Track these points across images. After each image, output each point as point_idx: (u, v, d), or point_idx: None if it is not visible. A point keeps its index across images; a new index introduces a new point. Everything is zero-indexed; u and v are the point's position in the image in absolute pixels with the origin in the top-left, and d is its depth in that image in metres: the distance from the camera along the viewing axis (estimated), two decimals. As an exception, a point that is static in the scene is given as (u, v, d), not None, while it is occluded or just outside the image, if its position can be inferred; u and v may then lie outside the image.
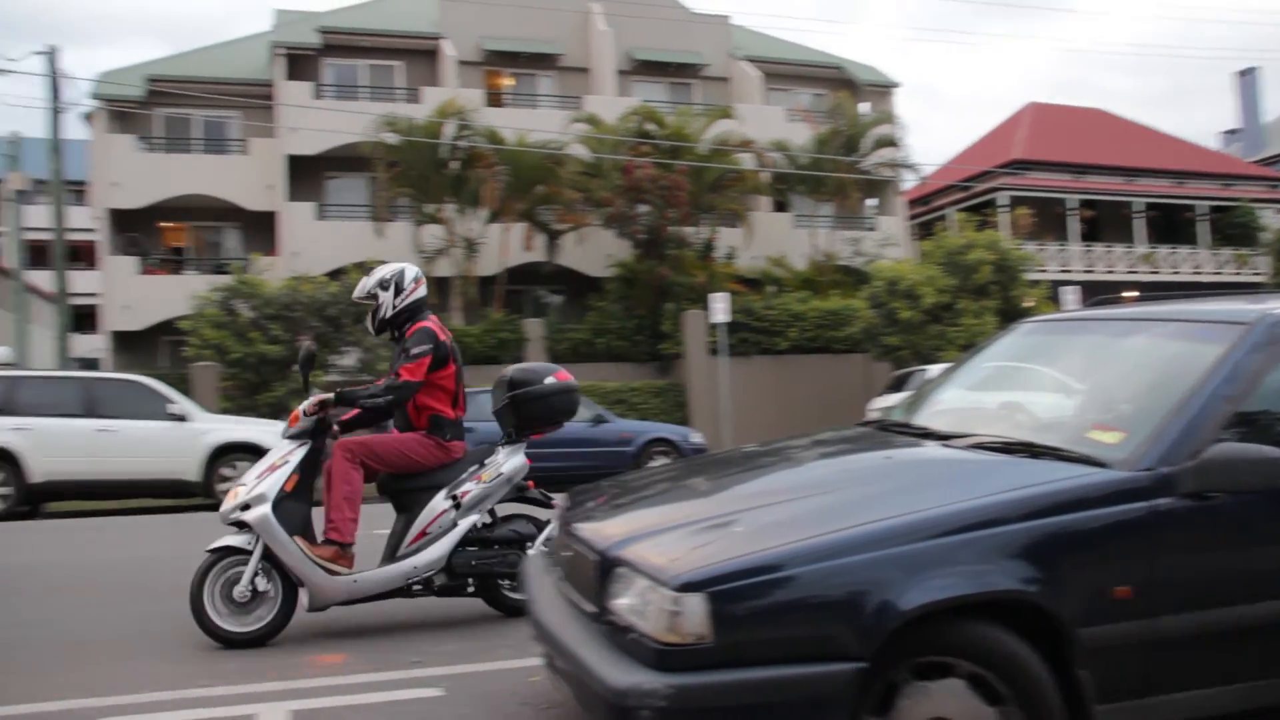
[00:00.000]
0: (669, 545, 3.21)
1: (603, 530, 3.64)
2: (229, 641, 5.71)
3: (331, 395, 6.10)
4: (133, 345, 26.21)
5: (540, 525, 6.30)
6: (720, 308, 20.78)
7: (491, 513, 6.32)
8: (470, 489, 6.16)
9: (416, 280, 6.38)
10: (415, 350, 6.09)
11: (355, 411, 6.25)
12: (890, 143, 27.86)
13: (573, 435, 16.18)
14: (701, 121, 26.41)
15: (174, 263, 29.07)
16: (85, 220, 32.11)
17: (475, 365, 23.23)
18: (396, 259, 22.48)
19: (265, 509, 5.79)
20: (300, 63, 28.37)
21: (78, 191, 36.72)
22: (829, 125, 27.85)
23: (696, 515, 3.55)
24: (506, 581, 6.21)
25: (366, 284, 6.38)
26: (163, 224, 29.29)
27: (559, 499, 6.31)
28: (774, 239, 28.54)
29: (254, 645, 5.71)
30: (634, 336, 25.30)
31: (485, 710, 4.48)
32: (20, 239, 24.24)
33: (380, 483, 6.24)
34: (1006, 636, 3.05)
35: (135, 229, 28.01)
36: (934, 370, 17.56)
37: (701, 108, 28.95)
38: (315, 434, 6.14)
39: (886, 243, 28.68)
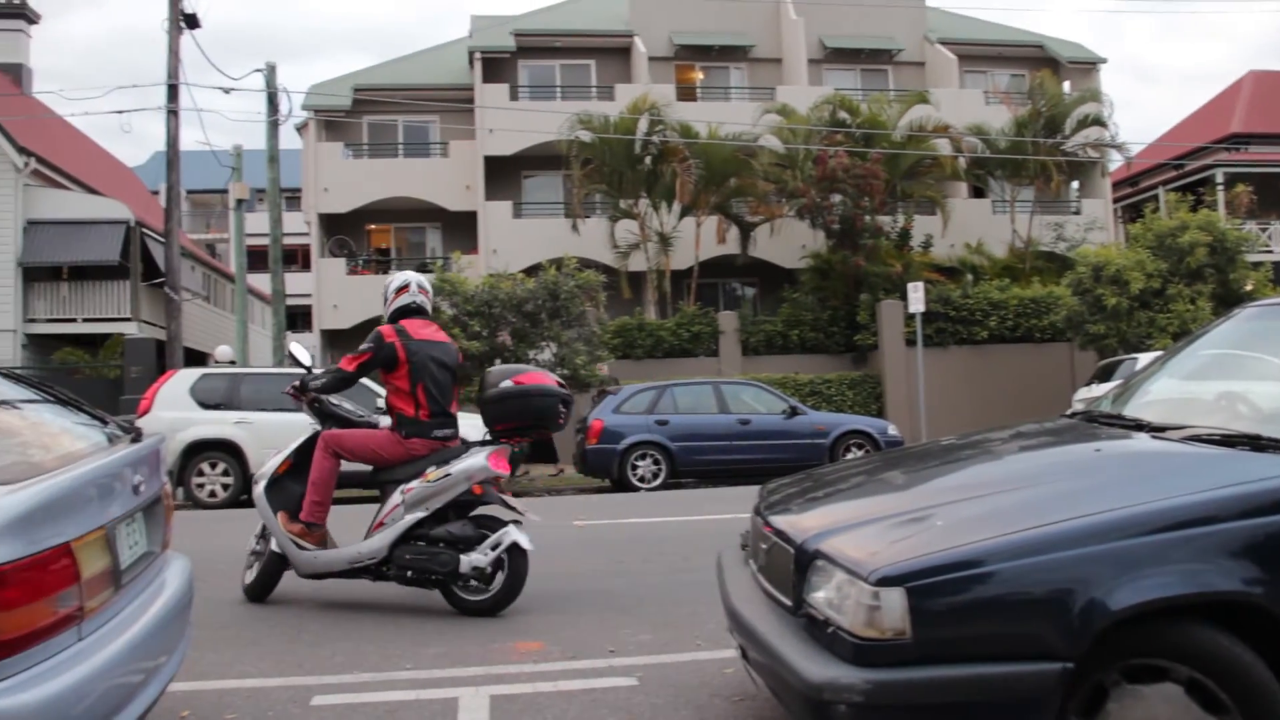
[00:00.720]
0: (867, 539, 3.16)
1: (799, 523, 3.60)
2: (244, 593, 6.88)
3: (298, 383, 6.87)
4: (342, 342, 27.44)
5: (493, 527, 6.40)
6: (917, 297, 20.37)
7: (442, 512, 6.44)
8: (414, 487, 6.43)
9: (398, 290, 6.91)
10: (360, 346, 6.74)
11: None
12: (1095, 122, 26.66)
13: (766, 428, 16.19)
14: (896, 108, 25.95)
15: (380, 263, 30.26)
16: (299, 225, 33.77)
17: (669, 359, 23.50)
18: (591, 255, 23.15)
19: (259, 487, 6.81)
20: (496, 66, 29.12)
21: (292, 198, 38.65)
22: (1029, 106, 26.87)
23: (895, 509, 3.49)
24: (471, 580, 6.37)
25: None
26: (369, 226, 30.58)
27: (525, 510, 6.57)
28: (972, 226, 27.78)
29: (255, 600, 6.81)
30: (828, 328, 25.06)
31: (678, 701, 4.50)
32: (241, 245, 25.59)
33: (370, 474, 6.82)
34: (1229, 641, 2.87)
35: (344, 232, 29.31)
36: (1144, 359, 16.82)
37: (895, 94, 28.43)
38: (326, 422, 6.92)
39: (1091, 227, 27.55)
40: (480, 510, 6.54)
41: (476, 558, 6.26)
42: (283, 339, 22.33)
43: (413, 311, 6.88)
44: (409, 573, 6.37)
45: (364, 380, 7.82)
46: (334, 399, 7.09)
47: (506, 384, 6.53)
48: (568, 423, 6.82)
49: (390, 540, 6.39)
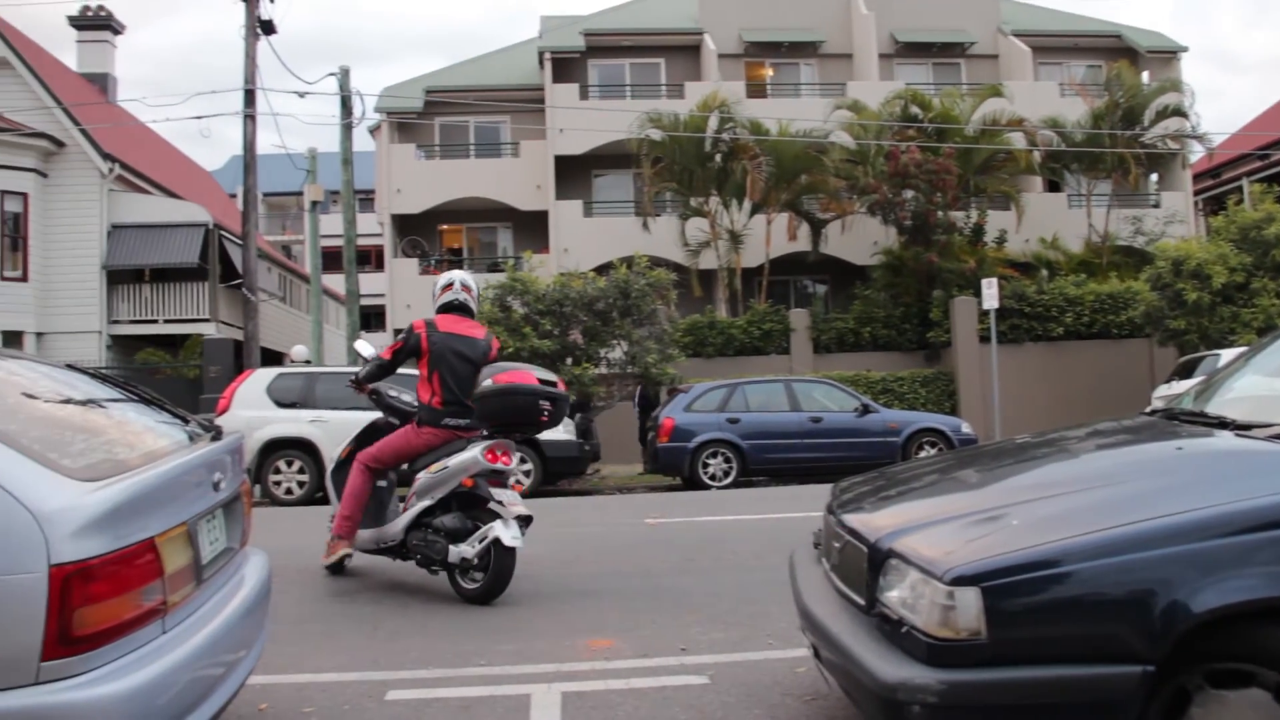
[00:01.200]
0: (942, 537, 3.12)
1: (873, 521, 3.57)
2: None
3: (354, 376, 7.42)
4: (417, 342, 27.67)
5: (482, 521, 6.62)
6: (991, 294, 20.09)
7: (446, 501, 6.79)
8: (420, 478, 6.91)
9: (443, 288, 7.36)
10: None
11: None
12: (1175, 112, 26.01)
13: (838, 426, 16.10)
14: (969, 102, 25.59)
15: (452, 262, 30.52)
16: (372, 226, 34.17)
17: (740, 357, 23.48)
18: (662, 253, 23.15)
19: (329, 470, 7.74)
20: (566, 66, 29.24)
21: (366, 200, 39.10)
22: (1106, 98, 26.31)
23: (970, 507, 3.44)
24: (467, 569, 6.69)
25: None
26: (441, 226, 30.87)
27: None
28: (1047, 220, 27.33)
29: (335, 573, 7.45)
30: (900, 325, 24.83)
31: (750, 700, 4.49)
32: (316, 246, 25.99)
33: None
34: (1320, 646, 2.78)
35: (416, 232, 29.63)
36: (1227, 355, 16.46)
37: (968, 87, 28.04)
38: (387, 412, 7.46)
39: (1171, 220, 26.88)
40: (493, 505, 6.69)
41: (465, 549, 6.55)
42: (357, 338, 22.65)
43: (454, 308, 7.28)
44: (417, 556, 6.86)
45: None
46: (392, 391, 7.56)
47: (488, 383, 6.78)
48: (555, 420, 6.92)
49: (404, 525, 6.87)
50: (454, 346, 7.00)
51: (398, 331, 27.88)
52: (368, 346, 7.70)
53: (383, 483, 7.39)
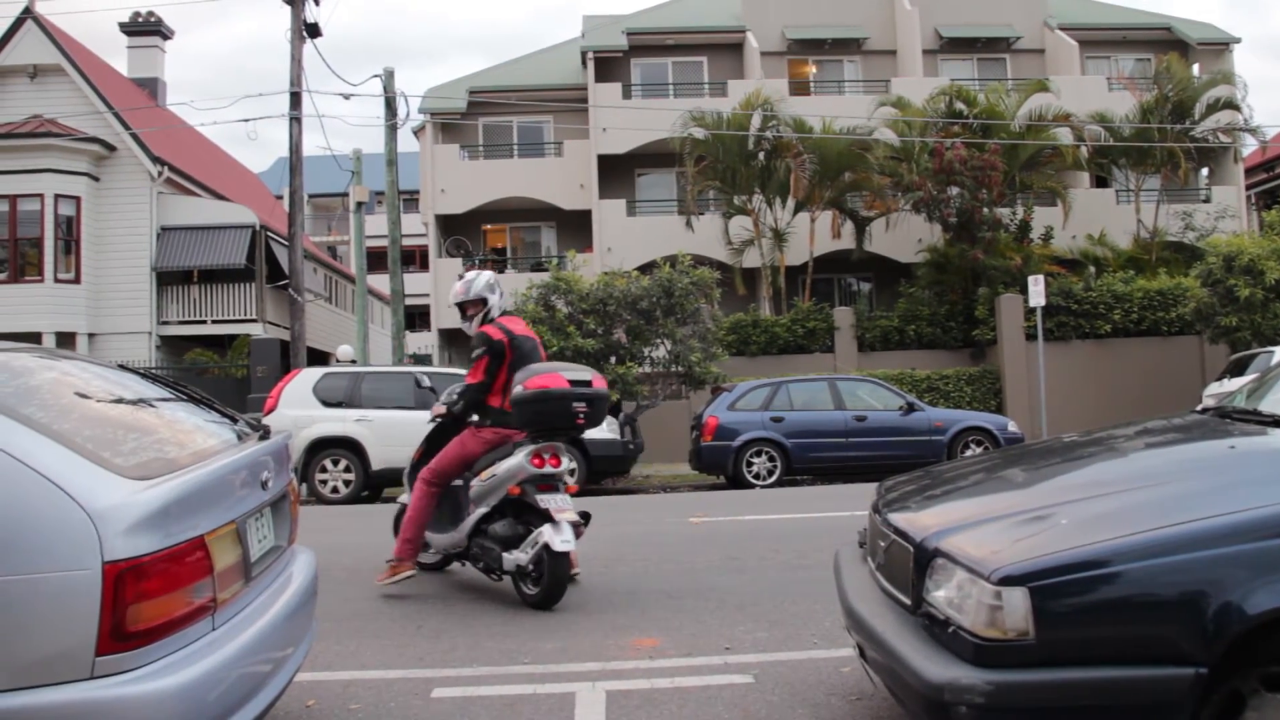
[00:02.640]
0: (989, 537, 3.10)
1: (919, 521, 3.55)
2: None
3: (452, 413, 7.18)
4: (460, 342, 27.87)
5: (535, 525, 6.49)
6: (1037, 291, 19.91)
7: (500, 508, 6.68)
8: (474, 485, 6.80)
9: (486, 286, 7.23)
10: (475, 352, 6.95)
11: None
12: (1227, 105, 25.56)
13: (883, 424, 16.01)
14: (1014, 97, 25.34)
15: (496, 262, 30.66)
16: (417, 226, 34.38)
17: (784, 355, 23.41)
18: (705, 252, 23.14)
19: (406, 470, 7.51)
20: (609, 65, 29.26)
21: (410, 200, 39.33)
22: (1155, 91, 25.93)
23: (1017, 506, 3.41)
24: (526, 575, 6.57)
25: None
26: (485, 226, 31.01)
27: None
28: (1094, 217, 27.00)
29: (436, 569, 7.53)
30: (945, 323, 24.62)
31: (794, 699, 4.48)
32: (362, 246, 26.18)
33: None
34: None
35: (460, 232, 29.79)
36: (1283, 352, 16.26)
37: (1014, 83, 27.76)
38: (454, 419, 7.21)
39: (1222, 215, 26.48)
40: (547, 506, 6.55)
41: (519, 555, 6.45)
42: (401, 337, 22.80)
43: (507, 310, 7.36)
44: (480, 564, 6.83)
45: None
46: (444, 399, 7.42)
47: (518, 389, 6.51)
48: (594, 421, 6.70)
49: (466, 532, 6.79)
50: (530, 348, 7.02)
51: (442, 331, 28.08)
52: (449, 395, 7.38)
53: (457, 481, 7.07)
